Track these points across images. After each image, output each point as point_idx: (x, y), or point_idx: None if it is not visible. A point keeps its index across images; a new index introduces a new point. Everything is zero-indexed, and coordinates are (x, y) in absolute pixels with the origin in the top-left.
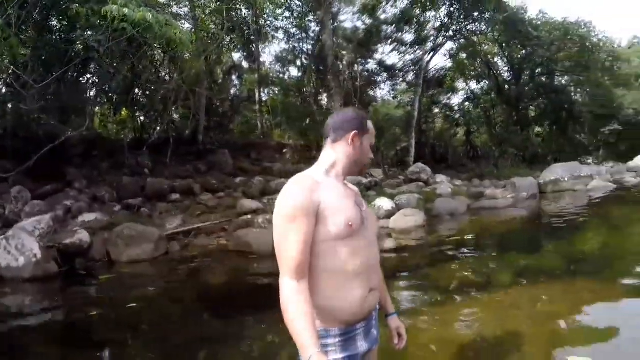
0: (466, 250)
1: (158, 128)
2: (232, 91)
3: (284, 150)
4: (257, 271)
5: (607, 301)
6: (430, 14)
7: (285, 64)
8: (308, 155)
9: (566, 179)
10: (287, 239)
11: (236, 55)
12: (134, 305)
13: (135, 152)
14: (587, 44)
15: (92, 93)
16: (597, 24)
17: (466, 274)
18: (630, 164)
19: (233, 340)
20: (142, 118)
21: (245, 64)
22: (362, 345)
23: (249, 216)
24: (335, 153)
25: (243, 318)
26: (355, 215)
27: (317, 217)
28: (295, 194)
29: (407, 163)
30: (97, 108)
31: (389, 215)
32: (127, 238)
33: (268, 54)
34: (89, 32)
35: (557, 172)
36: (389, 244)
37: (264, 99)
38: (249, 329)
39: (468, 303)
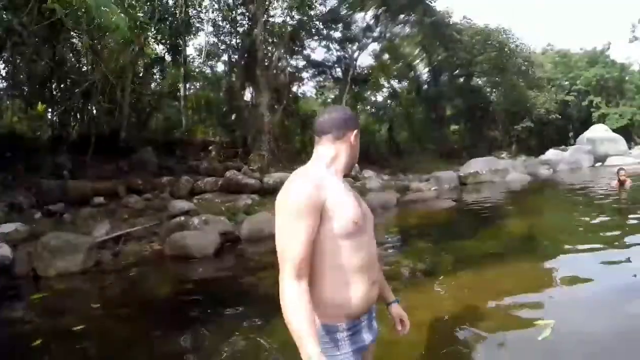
0: (406, 240)
1: (77, 125)
2: (152, 85)
3: (210, 148)
4: (201, 275)
5: (546, 274)
6: (359, 15)
7: (212, 58)
8: (234, 152)
9: (485, 172)
10: (292, 237)
11: (159, 47)
12: (80, 327)
13: (53, 152)
14: (506, 49)
15: (3, 84)
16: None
17: (412, 261)
18: (543, 157)
19: (192, 354)
20: (59, 113)
21: (168, 57)
22: (367, 337)
23: (182, 218)
24: (337, 150)
25: (197, 328)
26: (360, 212)
27: (323, 214)
28: (303, 191)
29: None
30: (8, 102)
31: None
32: (54, 249)
33: (192, 47)
34: (6, 15)
35: (477, 165)
36: None
37: (187, 94)
38: (206, 339)
39: (421, 287)
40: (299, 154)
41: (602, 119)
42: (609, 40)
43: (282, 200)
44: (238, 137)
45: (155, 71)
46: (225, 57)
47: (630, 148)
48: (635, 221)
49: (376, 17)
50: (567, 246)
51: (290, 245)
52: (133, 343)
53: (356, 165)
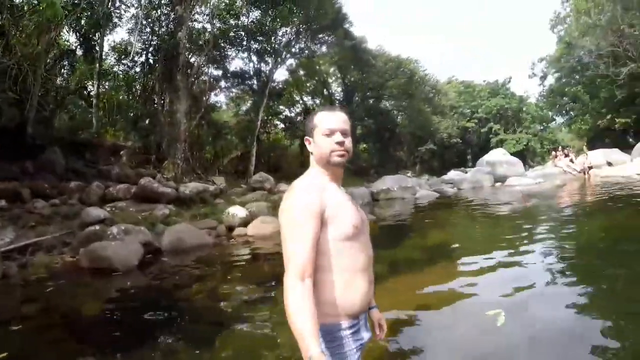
0: None
1: None
2: (58, 80)
3: (121, 153)
4: (130, 290)
5: (471, 274)
6: (281, 30)
7: (130, 58)
8: (146, 159)
9: (396, 189)
10: (297, 241)
11: (71, 39)
12: (3, 355)
13: None
14: (416, 77)
15: None
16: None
17: None
18: (445, 177)
19: None
20: None
21: (79, 51)
22: (365, 335)
23: (97, 227)
24: (312, 153)
25: (136, 350)
26: (359, 217)
27: (325, 219)
28: (306, 198)
29: (249, 171)
30: None
31: (245, 222)
32: None
33: (106, 44)
34: None
35: (388, 182)
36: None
37: (94, 93)
38: None
39: None
40: (212, 165)
41: (500, 144)
42: (510, 74)
43: (286, 208)
44: (151, 143)
45: (64, 65)
46: (142, 59)
47: (526, 170)
48: (527, 233)
49: (297, 33)
50: (478, 252)
51: (295, 250)
52: None
53: (271, 178)
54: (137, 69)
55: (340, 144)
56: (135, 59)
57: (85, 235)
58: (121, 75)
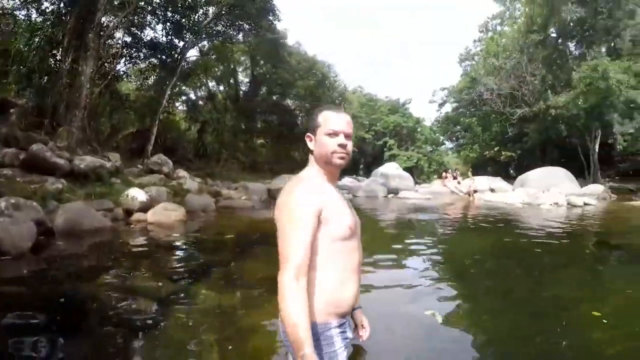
0: (250, 245)
1: None
2: None
3: (11, 111)
4: (24, 280)
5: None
6: (204, 8)
7: (38, 3)
8: (39, 122)
9: None
10: (295, 241)
11: None
12: None
13: None
14: (327, 82)
15: None
16: None
17: (267, 265)
18: (339, 182)
19: None
20: None
21: None
22: (350, 335)
23: None
24: (313, 151)
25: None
26: (354, 219)
27: (321, 219)
28: (306, 197)
29: (147, 151)
30: None
31: (144, 207)
32: None
33: None
34: None
35: (286, 180)
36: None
37: None
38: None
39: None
40: (108, 139)
41: (393, 158)
42: (411, 97)
43: (285, 206)
44: (47, 104)
45: None
46: (53, 7)
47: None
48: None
49: (219, 14)
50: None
51: (293, 249)
52: None
53: (170, 162)
54: (43, 18)
55: (343, 146)
56: (45, 6)
57: None
58: (23, 22)
